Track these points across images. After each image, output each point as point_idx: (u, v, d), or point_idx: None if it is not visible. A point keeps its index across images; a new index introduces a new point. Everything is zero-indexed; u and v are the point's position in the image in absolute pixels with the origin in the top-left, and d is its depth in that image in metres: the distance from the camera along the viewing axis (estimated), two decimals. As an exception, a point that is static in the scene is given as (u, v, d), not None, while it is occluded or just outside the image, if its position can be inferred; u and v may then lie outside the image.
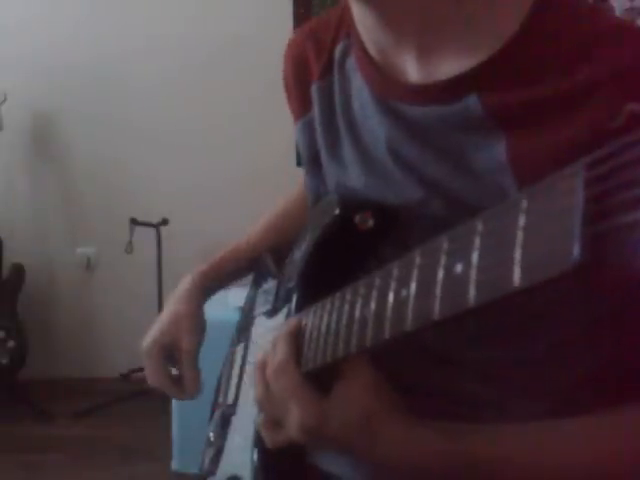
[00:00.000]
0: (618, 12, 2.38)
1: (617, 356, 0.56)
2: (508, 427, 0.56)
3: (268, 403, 0.59)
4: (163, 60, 2.93)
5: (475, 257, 0.35)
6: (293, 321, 0.62)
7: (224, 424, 0.82)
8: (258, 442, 0.67)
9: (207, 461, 0.84)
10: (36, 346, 2.86)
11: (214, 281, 0.90)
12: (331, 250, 0.66)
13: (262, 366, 0.61)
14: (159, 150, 2.98)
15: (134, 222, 2.83)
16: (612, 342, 0.56)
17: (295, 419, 0.55)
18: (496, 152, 0.56)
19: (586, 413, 0.55)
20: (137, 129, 2.98)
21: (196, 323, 0.86)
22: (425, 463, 0.55)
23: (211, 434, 0.85)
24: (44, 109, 3.00)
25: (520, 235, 0.32)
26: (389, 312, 0.44)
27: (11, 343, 2.72)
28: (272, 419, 0.60)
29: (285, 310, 0.72)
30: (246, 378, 0.80)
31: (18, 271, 2.85)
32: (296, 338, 0.59)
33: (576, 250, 0.29)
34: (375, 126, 0.65)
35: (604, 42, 0.54)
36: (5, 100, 2.79)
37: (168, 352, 0.84)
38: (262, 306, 0.82)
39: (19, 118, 2.92)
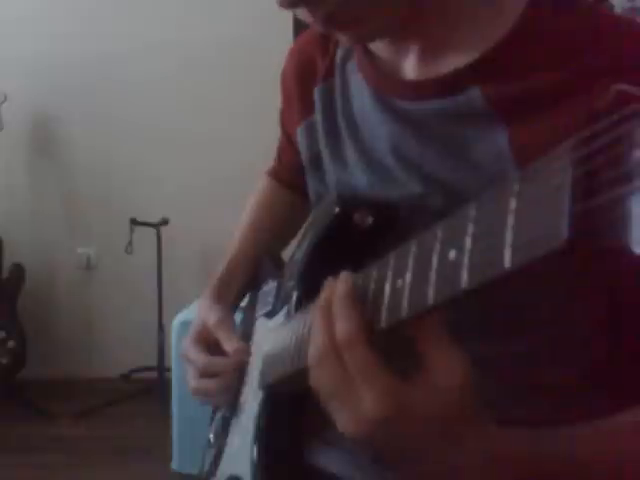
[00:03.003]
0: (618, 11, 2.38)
1: (614, 356, 0.56)
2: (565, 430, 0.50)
3: (334, 378, 0.46)
4: (163, 61, 2.93)
5: (468, 242, 0.36)
6: (345, 277, 0.48)
7: (224, 425, 0.81)
8: (258, 439, 0.67)
9: (207, 463, 0.83)
10: (36, 346, 2.87)
11: (228, 292, 0.88)
12: (331, 249, 0.66)
13: (327, 304, 0.47)
14: (159, 150, 2.98)
15: (134, 222, 2.83)
16: (609, 341, 0.56)
17: (367, 405, 0.43)
18: (498, 143, 0.56)
19: (585, 412, 0.55)
20: (137, 129, 2.98)
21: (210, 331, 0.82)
22: (505, 472, 0.46)
23: (211, 435, 0.85)
24: (44, 109, 3.00)
25: (511, 218, 0.32)
26: (385, 301, 0.44)
27: (11, 343, 2.72)
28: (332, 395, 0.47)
29: (285, 310, 0.72)
30: (247, 379, 0.80)
31: (18, 271, 2.85)
32: (359, 303, 0.46)
33: (565, 228, 0.29)
34: (376, 125, 0.65)
35: (603, 32, 0.54)
36: (5, 100, 2.80)
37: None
38: (263, 307, 0.82)
39: (19, 118, 2.93)
